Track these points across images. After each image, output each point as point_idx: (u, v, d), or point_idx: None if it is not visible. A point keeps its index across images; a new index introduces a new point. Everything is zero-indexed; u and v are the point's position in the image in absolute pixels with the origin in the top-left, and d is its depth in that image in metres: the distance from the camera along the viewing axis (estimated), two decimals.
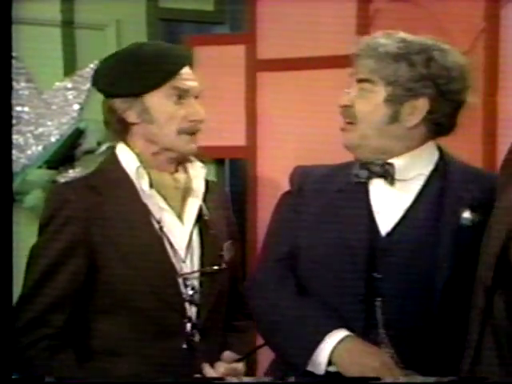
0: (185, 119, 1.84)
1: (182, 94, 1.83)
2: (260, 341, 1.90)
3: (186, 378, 1.78)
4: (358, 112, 1.76)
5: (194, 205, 1.89)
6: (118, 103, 1.83)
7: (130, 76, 1.82)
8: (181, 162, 1.90)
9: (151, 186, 1.84)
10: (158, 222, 1.82)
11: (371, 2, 2.54)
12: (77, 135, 2.74)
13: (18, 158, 2.71)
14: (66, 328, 1.79)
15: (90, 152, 2.77)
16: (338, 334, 1.67)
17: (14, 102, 2.67)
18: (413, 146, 1.76)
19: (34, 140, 2.72)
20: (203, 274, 1.85)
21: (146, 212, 1.82)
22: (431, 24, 2.41)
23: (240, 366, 1.81)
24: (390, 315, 1.68)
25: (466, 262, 1.66)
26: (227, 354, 1.79)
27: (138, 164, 1.84)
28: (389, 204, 1.75)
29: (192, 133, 1.86)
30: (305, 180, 1.87)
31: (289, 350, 1.73)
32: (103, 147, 2.75)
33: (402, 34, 1.77)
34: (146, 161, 1.86)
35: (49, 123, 2.74)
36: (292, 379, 1.72)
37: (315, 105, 2.59)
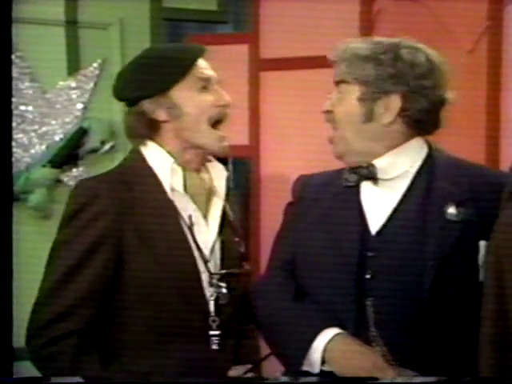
0: (213, 106, 1.86)
1: (204, 83, 1.87)
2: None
3: (207, 379, 1.79)
4: (336, 115, 1.81)
5: (218, 205, 1.91)
6: (147, 105, 1.84)
7: (153, 75, 1.84)
8: (204, 162, 1.92)
9: (184, 184, 1.86)
10: (186, 222, 1.84)
11: (374, 2, 2.54)
12: (80, 134, 2.75)
13: (22, 156, 2.72)
14: (93, 324, 1.79)
15: (94, 151, 2.77)
16: (329, 332, 1.70)
17: (18, 101, 2.69)
18: (394, 144, 1.78)
19: (37, 139, 2.73)
20: (228, 273, 1.87)
21: (174, 211, 1.83)
22: (434, 23, 2.41)
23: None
24: (382, 314, 1.71)
25: (453, 258, 1.69)
26: (235, 369, 1.82)
27: (172, 160, 1.86)
28: (377, 204, 1.78)
29: (221, 120, 1.88)
30: (304, 189, 1.91)
31: (285, 351, 1.77)
32: (107, 146, 2.76)
33: (377, 38, 1.82)
34: (176, 159, 1.87)
35: (53, 122, 2.75)
36: (306, 379, 1.75)
37: (318, 104, 2.58)
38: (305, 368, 1.72)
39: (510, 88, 2.39)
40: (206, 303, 1.83)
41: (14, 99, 2.66)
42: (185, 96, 1.85)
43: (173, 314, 1.80)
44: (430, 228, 1.72)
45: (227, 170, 1.96)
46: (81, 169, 2.76)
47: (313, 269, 1.80)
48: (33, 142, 2.73)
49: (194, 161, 1.89)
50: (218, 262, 1.88)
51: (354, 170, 1.81)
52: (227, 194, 1.94)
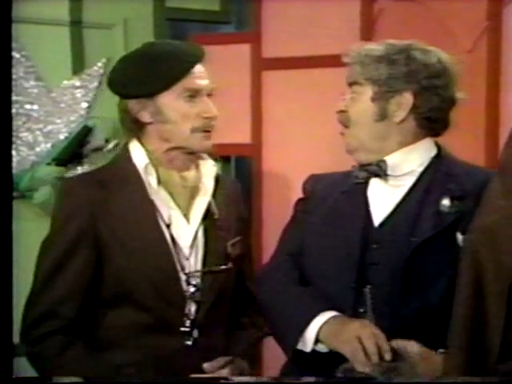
0: (198, 117, 1.85)
1: (192, 93, 1.85)
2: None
3: (184, 375, 1.80)
4: (351, 115, 1.86)
5: (201, 203, 1.91)
6: (132, 104, 1.86)
7: (142, 77, 1.84)
8: (193, 160, 1.92)
9: (159, 183, 1.87)
10: (165, 220, 1.85)
11: (375, 1, 2.56)
12: (85, 133, 2.77)
13: (28, 155, 2.74)
14: (76, 320, 1.82)
15: (98, 149, 2.79)
16: (327, 314, 1.76)
17: (23, 100, 2.71)
18: (405, 142, 1.84)
19: (42, 137, 2.75)
20: (207, 271, 1.88)
21: (152, 209, 1.85)
22: (434, 23, 2.43)
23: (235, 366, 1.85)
24: (379, 301, 1.76)
25: (434, 244, 1.75)
26: (207, 365, 1.82)
27: (147, 161, 1.87)
28: (383, 199, 1.85)
29: (206, 130, 1.88)
30: (316, 186, 1.97)
31: (283, 329, 1.82)
32: (111, 144, 2.78)
33: (390, 40, 1.87)
34: (157, 158, 1.88)
35: (57, 121, 2.77)
36: (306, 379, 1.78)
37: (320, 103, 2.61)
38: (299, 347, 1.76)
39: (509, 88, 2.40)
40: (184, 300, 1.84)
41: (19, 98, 2.70)
42: (171, 104, 1.84)
43: (151, 311, 1.82)
44: (423, 217, 1.78)
45: (217, 165, 1.97)
46: (85, 167, 2.77)
47: (317, 259, 1.86)
48: (38, 140, 2.75)
49: (177, 160, 1.90)
50: (200, 259, 1.88)
51: (363, 167, 1.87)
52: (215, 192, 1.94)
